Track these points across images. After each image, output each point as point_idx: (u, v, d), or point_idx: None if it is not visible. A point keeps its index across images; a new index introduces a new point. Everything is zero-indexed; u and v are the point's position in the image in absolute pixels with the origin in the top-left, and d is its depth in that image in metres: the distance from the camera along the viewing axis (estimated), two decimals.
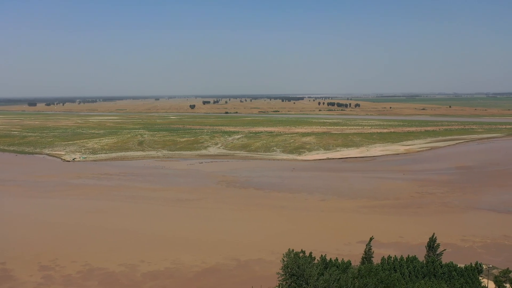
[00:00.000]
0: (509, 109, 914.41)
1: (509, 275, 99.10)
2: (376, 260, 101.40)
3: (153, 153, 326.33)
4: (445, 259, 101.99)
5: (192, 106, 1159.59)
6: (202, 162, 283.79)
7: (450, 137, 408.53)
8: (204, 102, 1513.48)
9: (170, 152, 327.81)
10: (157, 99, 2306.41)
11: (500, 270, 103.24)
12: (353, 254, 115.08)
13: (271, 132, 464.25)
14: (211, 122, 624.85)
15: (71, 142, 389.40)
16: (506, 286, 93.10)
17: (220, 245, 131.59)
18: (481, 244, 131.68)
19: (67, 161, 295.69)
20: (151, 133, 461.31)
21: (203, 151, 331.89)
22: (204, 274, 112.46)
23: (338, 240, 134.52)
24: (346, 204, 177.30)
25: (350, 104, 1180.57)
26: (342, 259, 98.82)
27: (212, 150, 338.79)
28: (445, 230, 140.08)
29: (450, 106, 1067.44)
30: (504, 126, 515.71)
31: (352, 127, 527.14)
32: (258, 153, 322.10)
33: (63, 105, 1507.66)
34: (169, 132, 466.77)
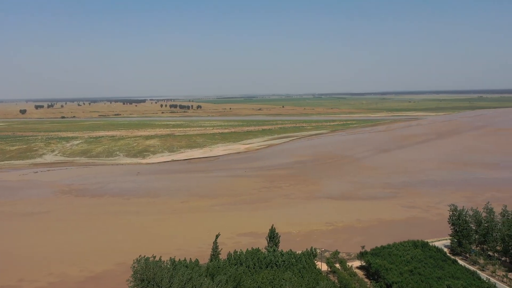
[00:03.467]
0: (332, 108, 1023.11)
1: (338, 256, 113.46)
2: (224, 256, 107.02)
3: None
4: (289, 247, 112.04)
5: (23, 111, 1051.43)
6: (37, 172, 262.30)
7: (284, 135, 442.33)
8: (37, 107, 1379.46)
9: None
10: None
11: (331, 252, 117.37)
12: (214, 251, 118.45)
13: (113, 136, 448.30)
14: (46, 128, 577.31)
15: None
16: (336, 266, 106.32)
17: (104, 253, 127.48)
18: (321, 229, 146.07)
19: None
20: None
21: (38, 160, 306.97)
22: (88, 281, 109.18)
23: (197, 239, 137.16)
24: (203, 203, 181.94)
25: (192, 106, 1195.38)
26: (190, 258, 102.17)
27: (49, 157, 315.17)
28: (290, 220, 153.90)
29: (283, 106, 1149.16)
30: (328, 123, 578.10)
31: (195, 128, 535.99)
32: (100, 158, 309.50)
33: None
34: None
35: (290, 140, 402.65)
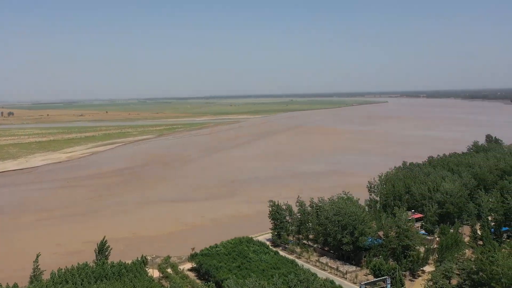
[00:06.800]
0: (157, 112, 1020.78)
1: (170, 260, 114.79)
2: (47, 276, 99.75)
3: None
4: (122, 257, 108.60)
5: None
6: None
7: (109, 141, 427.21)
8: None
9: None
10: None
11: (162, 258, 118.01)
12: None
13: None
14: None
15: None
16: (167, 271, 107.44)
17: None
18: (157, 235, 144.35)
19: None
20: None
21: None
22: None
23: (22, 259, 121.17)
24: (30, 219, 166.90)
25: (2, 112, 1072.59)
26: (7, 283, 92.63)
27: None
28: (125, 228, 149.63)
29: (107, 112, 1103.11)
30: (155, 128, 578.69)
31: (6, 137, 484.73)
32: None
33: None
34: None
35: (116, 146, 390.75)
